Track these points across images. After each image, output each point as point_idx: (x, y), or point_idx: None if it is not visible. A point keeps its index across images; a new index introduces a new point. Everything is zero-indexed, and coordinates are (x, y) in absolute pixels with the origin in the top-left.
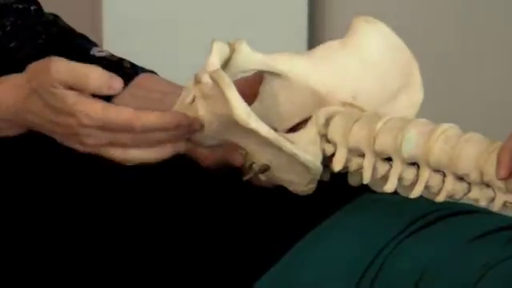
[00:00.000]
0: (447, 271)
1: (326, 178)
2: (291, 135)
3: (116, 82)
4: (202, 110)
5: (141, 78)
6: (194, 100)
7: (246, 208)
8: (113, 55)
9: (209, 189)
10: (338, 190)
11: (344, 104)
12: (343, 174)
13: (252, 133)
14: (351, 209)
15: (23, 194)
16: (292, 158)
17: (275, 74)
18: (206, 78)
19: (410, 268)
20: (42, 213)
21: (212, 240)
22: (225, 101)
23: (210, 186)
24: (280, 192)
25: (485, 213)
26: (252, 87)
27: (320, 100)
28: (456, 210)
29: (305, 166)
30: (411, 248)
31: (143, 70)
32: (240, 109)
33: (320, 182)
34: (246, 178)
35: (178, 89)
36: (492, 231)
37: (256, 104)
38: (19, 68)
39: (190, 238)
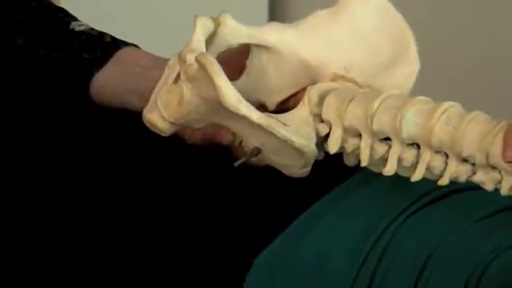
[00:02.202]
0: (455, 255)
1: (321, 157)
2: (283, 116)
3: None
4: (188, 93)
5: (123, 52)
6: (177, 79)
7: (245, 186)
8: (93, 29)
9: (207, 166)
10: (335, 166)
11: (336, 76)
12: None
13: (242, 117)
14: (353, 184)
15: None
16: (285, 142)
17: (263, 47)
18: (190, 58)
19: (419, 247)
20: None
21: (211, 218)
22: (213, 86)
23: (208, 163)
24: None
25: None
26: (237, 60)
27: (311, 72)
28: (461, 187)
29: (298, 150)
30: (419, 225)
31: (125, 44)
32: (230, 95)
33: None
34: (237, 163)
35: (161, 62)
36: (498, 211)
37: (243, 78)
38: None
39: (188, 216)
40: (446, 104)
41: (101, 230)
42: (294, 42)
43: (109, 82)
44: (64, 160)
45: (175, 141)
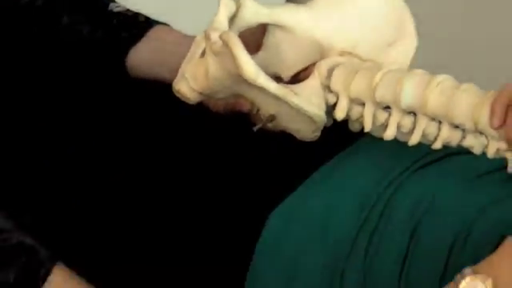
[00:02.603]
0: (450, 208)
1: (329, 123)
2: (296, 86)
3: None
4: (213, 67)
5: (155, 30)
6: (203, 54)
7: (264, 148)
8: (129, 10)
9: (227, 132)
10: (341, 132)
11: (343, 52)
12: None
13: (260, 88)
14: (358, 147)
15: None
16: (298, 109)
17: (279, 26)
18: (214, 36)
19: (417, 201)
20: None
21: (233, 177)
22: (234, 60)
23: (228, 129)
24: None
25: None
26: (256, 38)
27: (321, 49)
28: (453, 151)
29: (310, 117)
30: (416, 183)
31: (157, 23)
32: (249, 68)
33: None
34: (255, 128)
35: (188, 39)
36: (489, 172)
37: (261, 53)
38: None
39: (206, 172)
40: (441, 77)
41: (121, 215)
42: (307, 22)
43: (142, 58)
44: (83, 148)
45: (199, 111)
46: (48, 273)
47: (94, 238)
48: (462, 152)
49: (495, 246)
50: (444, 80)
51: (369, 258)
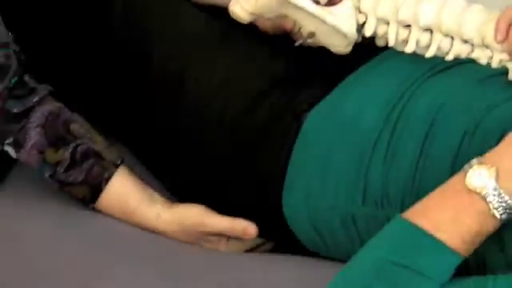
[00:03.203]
0: (461, 106)
1: (359, 39)
2: (332, 8)
3: (252, 229)
4: None
5: None
6: None
7: (305, 57)
8: None
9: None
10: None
11: None
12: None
13: (301, 8)
14: (383, 57)
15: None
16: (333, 27)
17: None
18: None
19: (431, 103)
20: None
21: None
22: None
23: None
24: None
25: None
26: None
27: None
28: (462, 61)
29: (343, 34)
30: (431, 87)
31: None
32: None
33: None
34: (297, 43)
35: None
36: (492, 75)
37: None
38: None
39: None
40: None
41: None
42: None
43: None
44: None
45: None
46: (110, 176)
47: None
48: (470, 61)
49: (498, 140)
50: (456, 2)
51: (392, 147)
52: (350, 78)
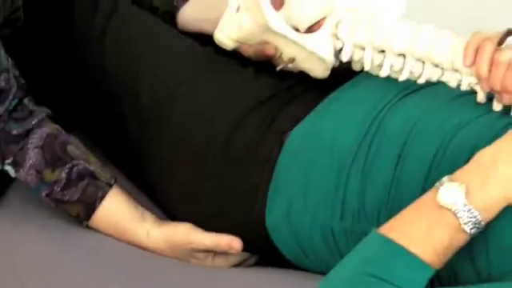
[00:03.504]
0: (430, 127)
1: (336, 64)
2: (311, 35)
3: (236, 244)
4: (246, 19)
5: None
6: (238, 10)
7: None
8: None
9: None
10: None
11: (348, 10)
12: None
13: (283, 36)
14: (357, 80)
15: None
16: (312, 53)
17: None
18: None
19: (403, 122)
20: None
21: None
22: (262, 13)
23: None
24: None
25: None
26: None
27: (330, 6)
28: (435, 83)
29: (321, 59)
30: (403, 107)
31: None
32: (273, 19)
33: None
34: (278, 68)
35: (226, 0)
36: (462, 95)
37: (283, 10)
38: None
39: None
40: (425, 27)
41: None
42: None
43: (191, 13)
44: None
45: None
46: (104, 195)
47: None
48: (440, 84)
49: (469, 157)
50: (427, 29)
51: (367, 165)
52: (329, 98)
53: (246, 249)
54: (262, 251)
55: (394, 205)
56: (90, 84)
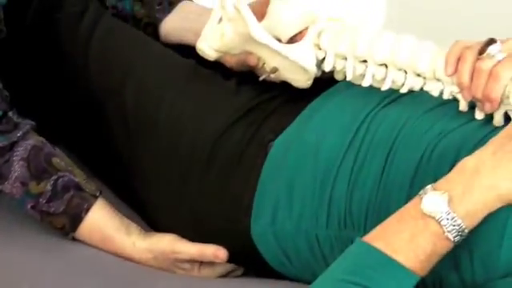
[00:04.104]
0: (413, 136)
1: (319, 74)
2: (293, 45)
3: (221, 253)
4: (227, 30)
5: (182, 4)
6: (220, 20)
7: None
8: None
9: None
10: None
11: (330, 20)
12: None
13: (265, 46)
14: (339, 88)
15: None
16: (295, 63)
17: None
18: (229, 5)
19: (389, 129)
20: None
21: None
22: (244, 23)
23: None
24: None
25: None
26: (261, 8)
27: (312, 17)
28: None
29: (304, 69)
30: (388, 115)
31: None
32: (256, 29)
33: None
34: (261, 78)
35: (207, 10)
36: (444, 103)
37: (265, 20)
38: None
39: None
40: (406, 36)
41: None
42: None
43: (173, 24)
44: None
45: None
46: (90, 206)
47: None
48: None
49: (452, 164)
50: (408, 39)
51: (355, 171)
52: (311, 106)
53: (231, 258)
54: (248, 260)
55: (380, 211)
56: (73, 94)
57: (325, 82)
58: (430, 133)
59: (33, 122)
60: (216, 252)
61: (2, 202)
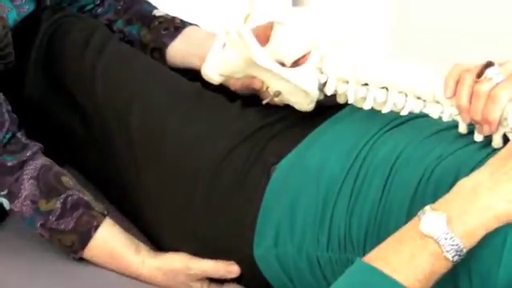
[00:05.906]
0: (412, 160)
1: (321, 97)
2: (296, 69)
3: (234, 268)
4: (232, 54)
5: (187, 29)
6: (224, 45)
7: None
8: (167, 14)
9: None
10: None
11: (332, 45)
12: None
13: (268, 70)
14: (343, 114)
15: None
16: (297, 87)
17: (281, 24)
18: (233, 31)
19: (388, 154)
20: None
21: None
22: (248, 49)
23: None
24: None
25: None
26: (265, 32)
27: (314, 42)
28: (417, 115)
29: (306, 92)
30: (388, 140)
31: (189, 24)
32: (258, 55)
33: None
34: (264, 101)
35: (212, 35)
36: (444, 129)
37: (269, 45)
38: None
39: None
40: (407, 60)
41: None
42: (301, 22)
43: (179, 49)
44: None
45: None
46: (99, 224)
47: None
48: (421, 116)
49: (450, 186)
50: (408, 62)
51: (354, 194)
52: (316, 132)
53: (235, 279)
54: (251, 282)
55: (380, 233)
56: (80, 118)
57: (328, 107)
58: (430, 156)
59: (40, 144)
60: (229, 267)
61: (7, 225)
